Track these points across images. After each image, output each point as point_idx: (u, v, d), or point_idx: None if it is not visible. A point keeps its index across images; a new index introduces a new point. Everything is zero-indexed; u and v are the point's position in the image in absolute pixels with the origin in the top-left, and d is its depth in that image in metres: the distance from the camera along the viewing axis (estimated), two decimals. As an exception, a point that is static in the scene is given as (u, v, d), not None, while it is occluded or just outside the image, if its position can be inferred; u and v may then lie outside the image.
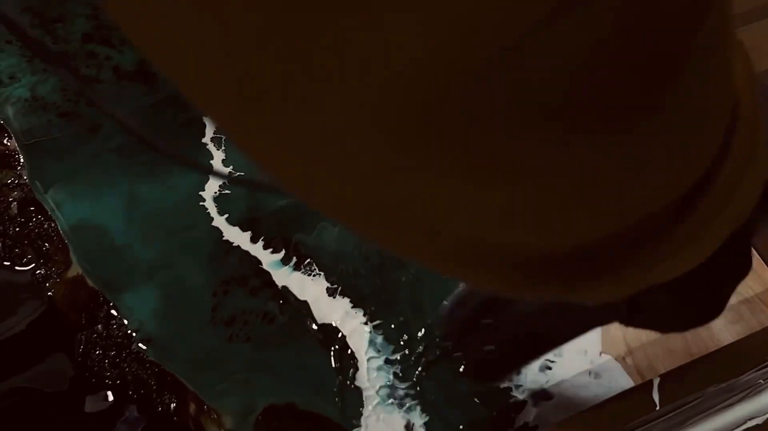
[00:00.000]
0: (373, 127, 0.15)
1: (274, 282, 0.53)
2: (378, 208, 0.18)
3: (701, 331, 0.53)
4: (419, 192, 0.17)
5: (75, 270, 0.53)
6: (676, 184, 0.20)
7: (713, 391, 0.46)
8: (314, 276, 0.54)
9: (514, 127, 0.15)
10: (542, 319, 0.36)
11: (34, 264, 0.54)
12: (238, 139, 0.17)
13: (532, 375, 0.51)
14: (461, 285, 0.39)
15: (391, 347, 0.51)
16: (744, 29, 0.68)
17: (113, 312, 0.52)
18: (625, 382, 0.51)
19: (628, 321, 0.33)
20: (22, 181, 0.56)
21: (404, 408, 0.49)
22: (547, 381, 0.51)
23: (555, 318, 0.36)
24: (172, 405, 0.49)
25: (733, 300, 0.54)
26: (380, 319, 0.52)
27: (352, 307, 0.53)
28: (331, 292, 0.53)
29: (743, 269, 0.29)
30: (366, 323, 0.52)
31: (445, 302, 0.39)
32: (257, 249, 0.54)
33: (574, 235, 0.19)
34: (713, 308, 0.31)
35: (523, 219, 0.18)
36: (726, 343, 0.50)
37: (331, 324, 0.52)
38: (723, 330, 0.53)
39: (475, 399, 0.50)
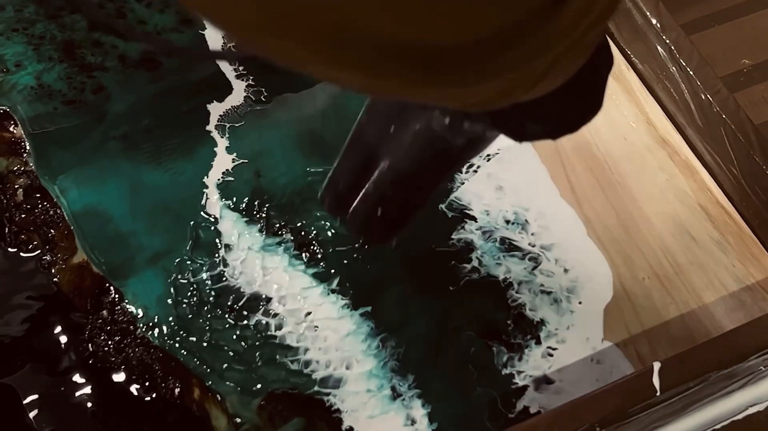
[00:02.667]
0: None
1: (275, 268, 0.54)
2: (285, 15, 0.20)
3: (702, 318, 0.53)
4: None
5: (80, 256, 0.54)
6: None
7: (714, 377, 0.46)
8: (315, 262, 0.54)
9: None
10: (419, 171, 0.38)
11: (39, 251, 0.55)
12: None
13: (534, 361, 0.51)
14: (333, 167, 0.41)
15: (393, 340, 0.52)
16: (752, 16, 0.68)
17: (118, 298, 0.52)
18: (627, 368, 0.51)
19: (519, 137, 0.34)
20: (28, 168, 0.57)
21: (405, 399, 0.50)
22: (549, 367, 0.51)
23: (430, 166, 0.38)
24: (177, 390, 0.50)
25: (735, 287, 0.54)
26: (378, 310, 0.53)
27: (352, 297, 0.53)
28: (330, 280, 0.53)
29: (609, 62, 0.33)
30: (366, 316, 0.52)
31: (322, 185, 0.41)
32: (259, 236, 0.55)
33: (457, 32, 0.21)
34: (593, 103, 0.34)
35: (409, 14, 0.20)
36: (727, 330, 0.50)
37: (330, 314, 0.52)
38: (724, 317, 0.53)
39: (476, 386, 0.50)
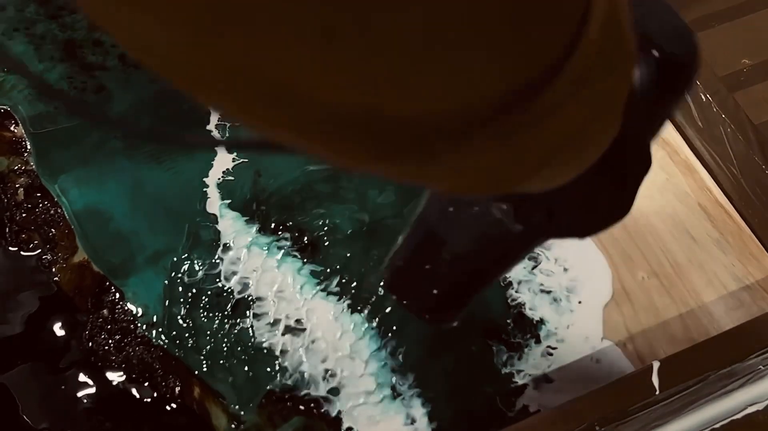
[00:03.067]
0: None
1: (275, 267, 0.54)
2: (232, 73, 0.17)
3: (701, 317, 0.53)
4: (273, 54, 0.17)
5: (81, 255, 0.54)
6: (525, 63, 0.20)
7: (713, 377, 0.46)
8: (315, 262, 0.54)
9: None
10: (477, 255, 0.37)
11: (40, 250, 0.55)
12: None
13: (533, 360, 0.51)
14: (396, 243, 0.40)
15: (393, 340, 0.52)
16: (752, 16, 0.68)
17: (118, 297, 0.52)
18: (626, 367, 0.51)
19: (550, 233, 0.33)
20: (28, 167, 0.57)
21: (405, 399, 0.50)
22: (549, 366, 0.51)
23: (488, 251, 0.37)
24: (177, 389, 0.50)
25: (734, 286, 0.54)
26: (378, 310, 0.53)
27: (351, 296, 0.53)
28: (329, 279, 0.54)
29: (645, 164, 0.31)
30: (365, 315, 0.52)
31: (385, 260, 0.40)
32: (259, 235, 0.55)
33: (429, 102, 0.19)
34: (623, 204, 0.33)
35: (381, 83, 0.18)
36: (726, 329, 0.51)
37: (329, 313, 0.52)
38: (724, 317, 0.53)
39: (476, 385, 0.50)
